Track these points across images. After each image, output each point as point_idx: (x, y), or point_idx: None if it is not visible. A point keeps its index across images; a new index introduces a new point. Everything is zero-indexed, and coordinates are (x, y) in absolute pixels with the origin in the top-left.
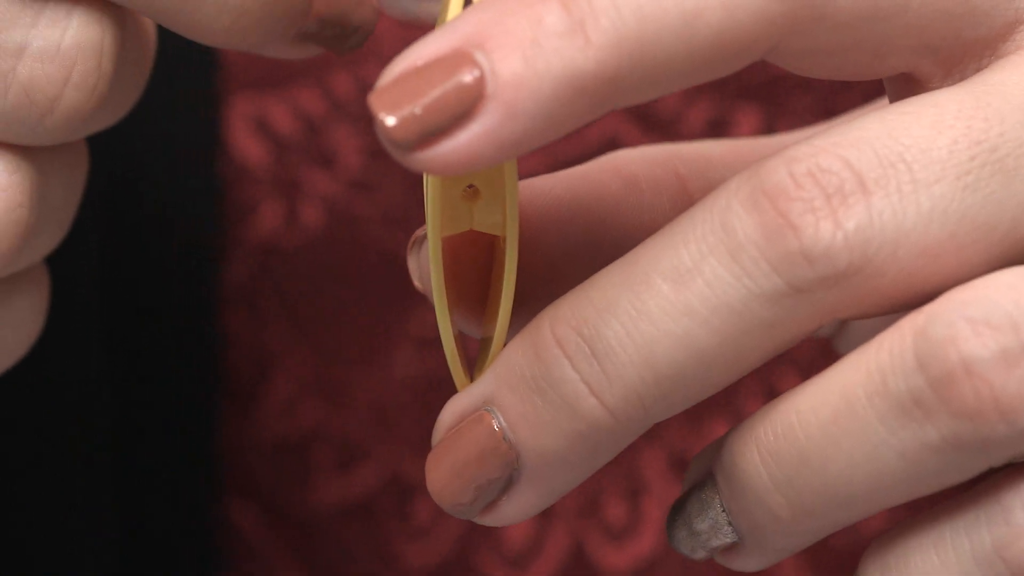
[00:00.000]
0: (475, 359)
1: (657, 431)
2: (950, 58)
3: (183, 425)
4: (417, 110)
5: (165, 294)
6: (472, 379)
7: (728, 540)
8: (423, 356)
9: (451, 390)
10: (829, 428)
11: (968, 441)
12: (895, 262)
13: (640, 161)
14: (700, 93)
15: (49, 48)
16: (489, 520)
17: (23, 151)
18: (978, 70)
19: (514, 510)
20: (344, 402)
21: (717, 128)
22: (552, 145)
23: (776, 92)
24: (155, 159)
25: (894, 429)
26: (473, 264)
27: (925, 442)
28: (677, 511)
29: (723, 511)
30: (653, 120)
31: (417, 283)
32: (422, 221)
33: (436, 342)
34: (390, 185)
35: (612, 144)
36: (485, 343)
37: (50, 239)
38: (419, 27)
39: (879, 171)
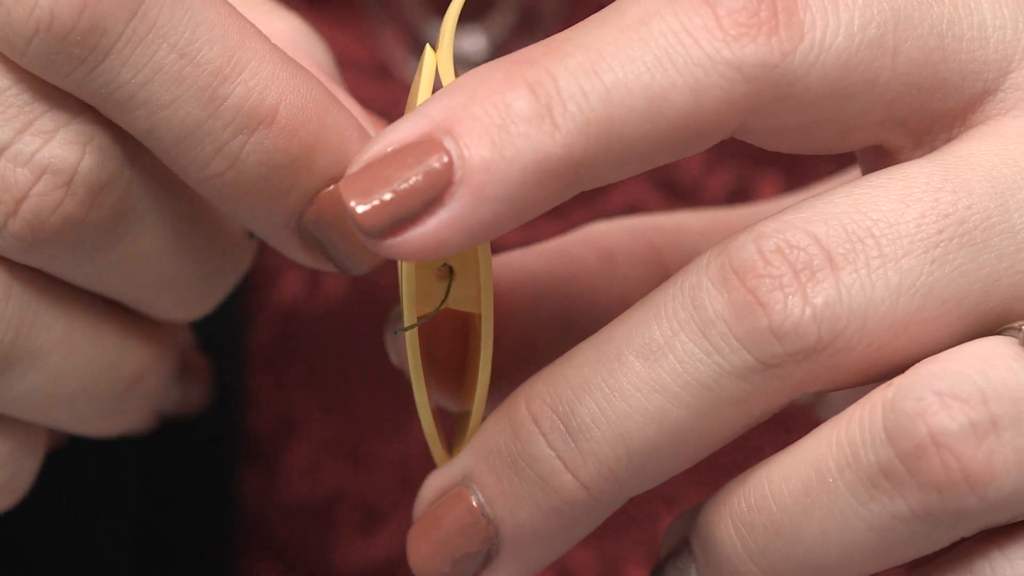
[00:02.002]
0: (453, 433)
1: (675, 496)
2: (919, 130)
3: (207, 485)
4: (387, 197)
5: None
6: (451, 454)
7: None
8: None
9: None
10: (801, 499)
11: (938, 513)
12: (864, 336)
13: (616, 233)
14: (721, 160)
15: (25, 153)
16: None
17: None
18: (948, 140)
19: None
20: (367, 465)
21: (739, 195)
22: (571, 213)
23: (798, 158)
24: None
25: (864, 501)
26: (449, 340)
27: (895, 514)
28: None
29: None
30: (675, 187)
31: (394, 359)
32: None
33: None
34: None
35: (633, 211)
36: (463, 418)
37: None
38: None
39: (847, 246)
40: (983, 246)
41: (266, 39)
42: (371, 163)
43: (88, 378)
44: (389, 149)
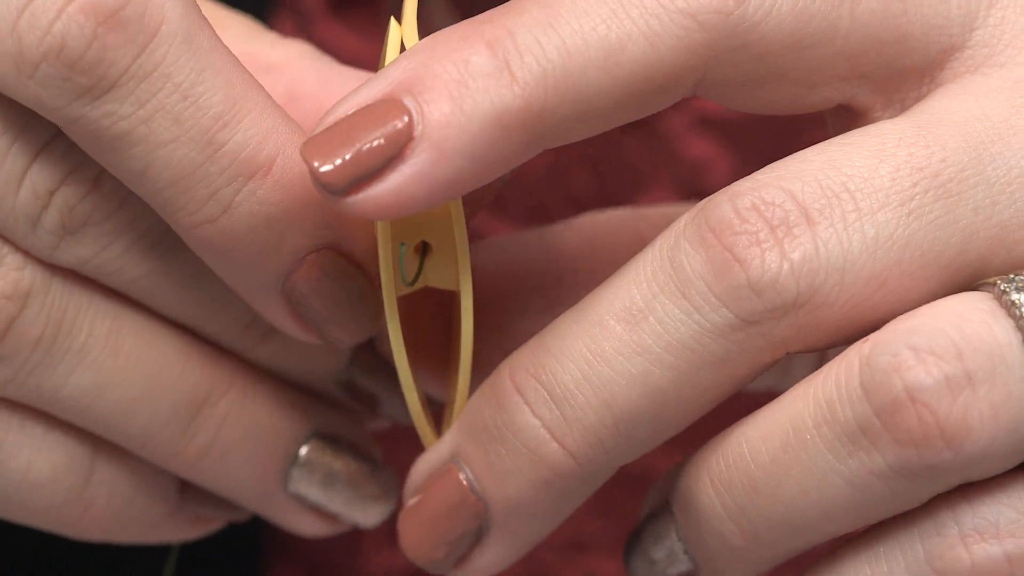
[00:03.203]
0: (442, 416)
1: None
2: (886, 87)
3: None
4: (348, 155)
5: None
6: (440, 435)
7: (685, 568)
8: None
9: None
10: (779, 457)
11: (914, 468)
12: (843, 291)
13: (604, 223)
14: (750, 168)
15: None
16: (461, 574)
17: None
18: (918, 99)
19: (485, 562)
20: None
21: None
22: None
23: None
24: None
25: (842, 457)
26: (431, 326)
27: (872, 469)
28: (634, 540)
29: (679, 540)
30: (702, 196)
31: (380, 345)
32: None
33: None
34: None
35: None
36: (449, 400)
37: None
38: None
39: (823, 201)
40: (958, 198)
41: (267, 94)
42: (333, 125)
43: (142, 385)
44: (351, 111)
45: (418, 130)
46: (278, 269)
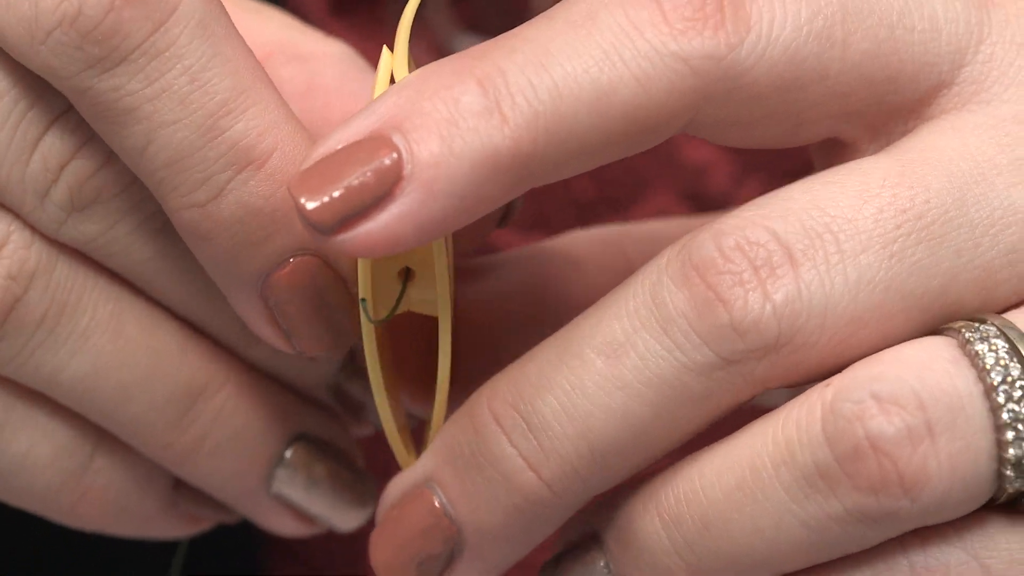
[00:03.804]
0: (420, 435)
1: None
2: (874, 123)
3: None
4: (336, 193)
5: None
6: (417, 456)
7: None
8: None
9: None
10: (734, 495)
11: (872, 514)
12: (824, 332)
13: (588, 242)
14: (750, 173)
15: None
16: None
17: None
18: (904, 133)
19: None
20: (385, 472)
21: None
22: (598, 225)
23: None
24: None
25: (799, 499)
26: (417, 344)
27: (830, 513)
28: (552, 572)
29: (608, 573)
30: (705, 200)
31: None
32: None
33: None
34: None
35: None
36: (429, 420)
37: None
38: None
39: (806, 242)
40: (941, 241)
41: (275, 90)
42: (321, 160)
43: (141, 373)
44: (339, 146)
45: (407, 169)
46: (259, 266)
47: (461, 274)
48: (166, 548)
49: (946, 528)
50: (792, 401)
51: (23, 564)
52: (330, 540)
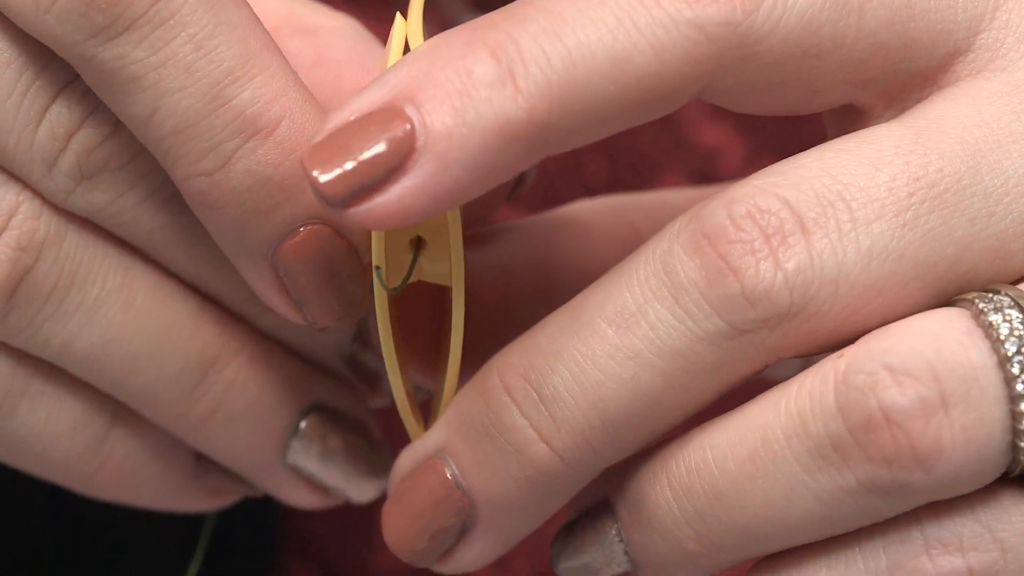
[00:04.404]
0: (429, 408)
1: None
2: (890, 90)
3: None
4: (348, 165)
5: None
6: (426, 428)
7: (621, 570)
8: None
9: None
10: (745, 465)
11: (884, 486)
12: (836, 301)
13: (595, 212)
14: (762, 155)
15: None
16: (446, 568)
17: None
18: (919, 100)
19: (470, 556)
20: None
21: None
22: None
23: None
24: None
25: (811, 471)
26: (424, 315)
27: (842, 485)
28: (565, 539)
29: (620, 540)
30: (716, 180)
31: (372, 338)
32: None
33: None
34: None
35: None
36: (438, 392)
37: None
38: None
39: (818, 210)
40: (954, 209)
41: (283, 57)
42: (333, 133)
43: (152, 343)
44: (351, 118)
45: (420, 141)
46: (268, 235)
47: (468, 243)
48: (186, 541)
49: (959, 501)
50: (804, 372)
51: (44, 551)
52: (343, 538)
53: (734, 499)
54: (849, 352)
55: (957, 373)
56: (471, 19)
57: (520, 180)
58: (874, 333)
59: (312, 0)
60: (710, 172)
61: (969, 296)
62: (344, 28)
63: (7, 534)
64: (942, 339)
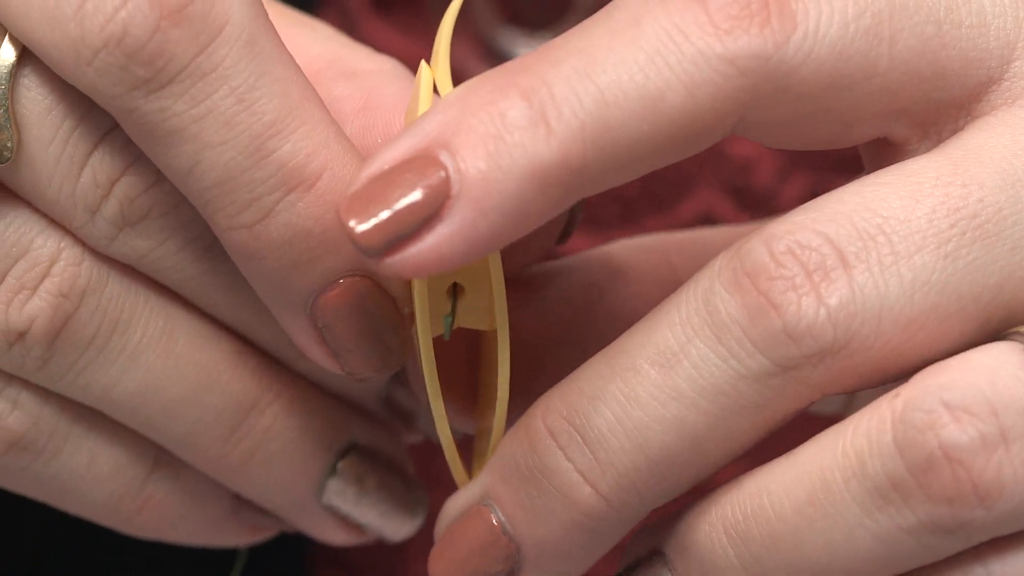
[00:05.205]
0: (469, 455)
1: None
2: (924, 121)
3: None
4: (384, 215)
5: None
6: (471, 475)
7: None
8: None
9: None
10: (804, 509)
11: (946, 524)
12: (880, 335)
13: (633, 251)
14: (795, 167)
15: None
16: None
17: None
18: (955, 131)
19: None
20: (441, 481)
21: None
22: (644, 221)
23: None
24: None
25: (871, 511)
26: (460, 360)
27: (902, 525)
28: None
29: None
30: (749, 195)
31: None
32: None
33: None
34: None
35: (707, 220)
36: (480, 438)
37: None
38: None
39: (859, 244)
40: (996, 239)
41: (326, 109)
42: (369, 182)
43: (191, 389)
44: (386, 167)
45: (455, 188)
46: (308, 287)
47: (509, 283)
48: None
49: (1021, 536)
50: (859, 412)
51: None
52: (376, 547)
53: (792, 543)
54: (905, 390)
55: (1014, 408)
56: (506, 34)
57: (569, 225)
58: (928, 370)
59: (356, 42)
60: (743, 184)
61: (1021, 330)
62: (389, 71)
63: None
64: (997, 374)
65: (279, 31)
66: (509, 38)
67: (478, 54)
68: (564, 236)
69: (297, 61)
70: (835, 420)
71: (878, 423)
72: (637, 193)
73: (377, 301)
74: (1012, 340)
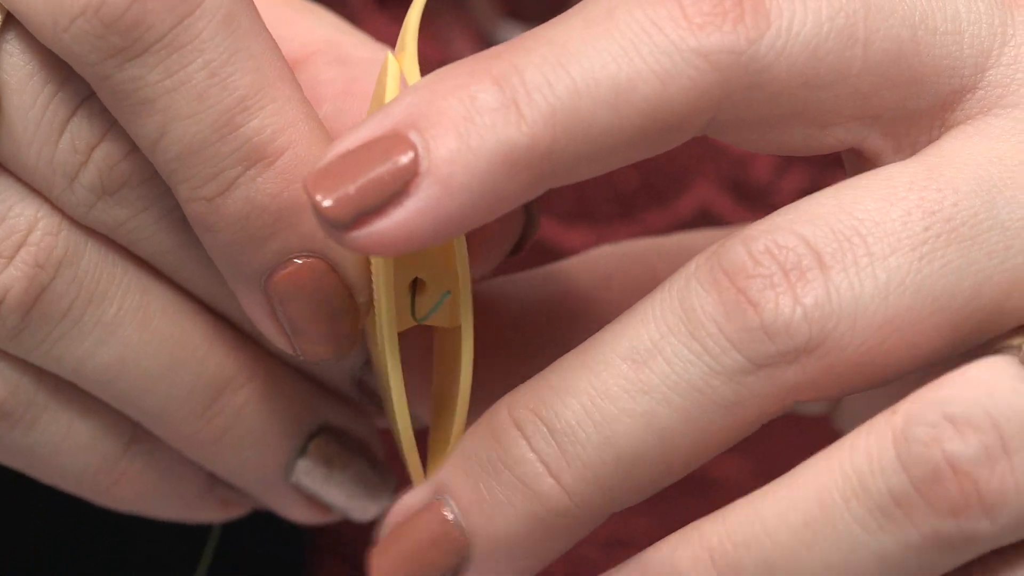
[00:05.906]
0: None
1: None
2: (898, 130)
3: None
4: (351, 190)
5: None
6: (426, 475)
7: None
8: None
9: None
10: (801, 533)
11: (950, 538)
12: (854, 336)
13: (616, 258)
14: (793, 162)
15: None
16: None
17: None
18: (929, 142)
19: None
20: None
21: None
22: (644, 217)
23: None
24: None
25: (873, 531)
26: (418, 358)
27: (906, 541)
28: None
29: None
30: (746, 189)
31: (370, 382)
32: None
33: None
34: None
35: (705, 215)
36: (435, 438)
37: None
38: None
39: (835, 245)
40: (971, 243)
41: (300, 89)
42: (336, 159)
43: (166, 364)
44: (355, 145)
45: (424, 166)
46: (261, 263)
47: (484, 291)
48: (196, 539)
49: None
50: (855, 431)
51: (55, 554)
52: (374, 536)
53: (789, 570)
54: (903, 407)
55: (1015, 420)
56: (506, 28)
57: (522, 238)
58: (927, 386)
59: (358, 31)
60: (742, 178)
61: (1015, 342)
62: (380, 61)
63: (19, 535)
64: (995, 387)
65: (285, 16)
66: (508, 32)
67: (476, 45)
68: (517, 249)
69: (296, 45)
70: (824, 422)
71: (877, 440)
72: (635, 188)
73: (331, 284)
74: (1006, 354)
